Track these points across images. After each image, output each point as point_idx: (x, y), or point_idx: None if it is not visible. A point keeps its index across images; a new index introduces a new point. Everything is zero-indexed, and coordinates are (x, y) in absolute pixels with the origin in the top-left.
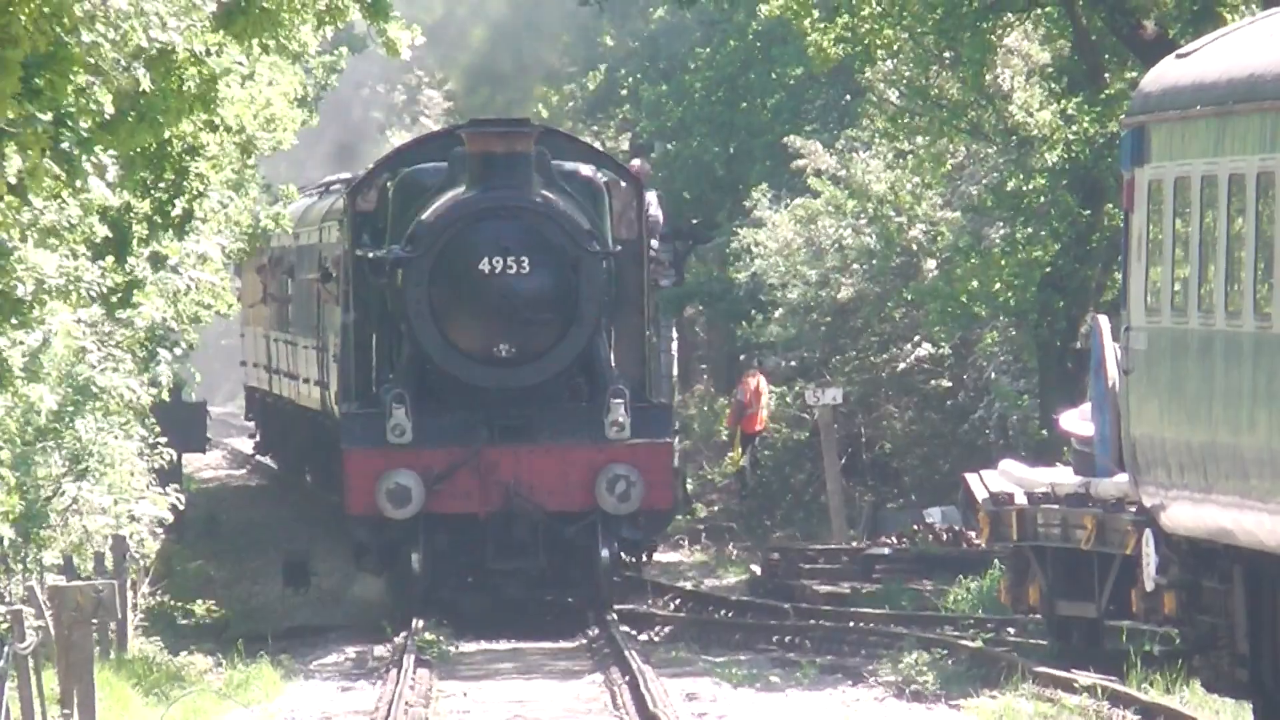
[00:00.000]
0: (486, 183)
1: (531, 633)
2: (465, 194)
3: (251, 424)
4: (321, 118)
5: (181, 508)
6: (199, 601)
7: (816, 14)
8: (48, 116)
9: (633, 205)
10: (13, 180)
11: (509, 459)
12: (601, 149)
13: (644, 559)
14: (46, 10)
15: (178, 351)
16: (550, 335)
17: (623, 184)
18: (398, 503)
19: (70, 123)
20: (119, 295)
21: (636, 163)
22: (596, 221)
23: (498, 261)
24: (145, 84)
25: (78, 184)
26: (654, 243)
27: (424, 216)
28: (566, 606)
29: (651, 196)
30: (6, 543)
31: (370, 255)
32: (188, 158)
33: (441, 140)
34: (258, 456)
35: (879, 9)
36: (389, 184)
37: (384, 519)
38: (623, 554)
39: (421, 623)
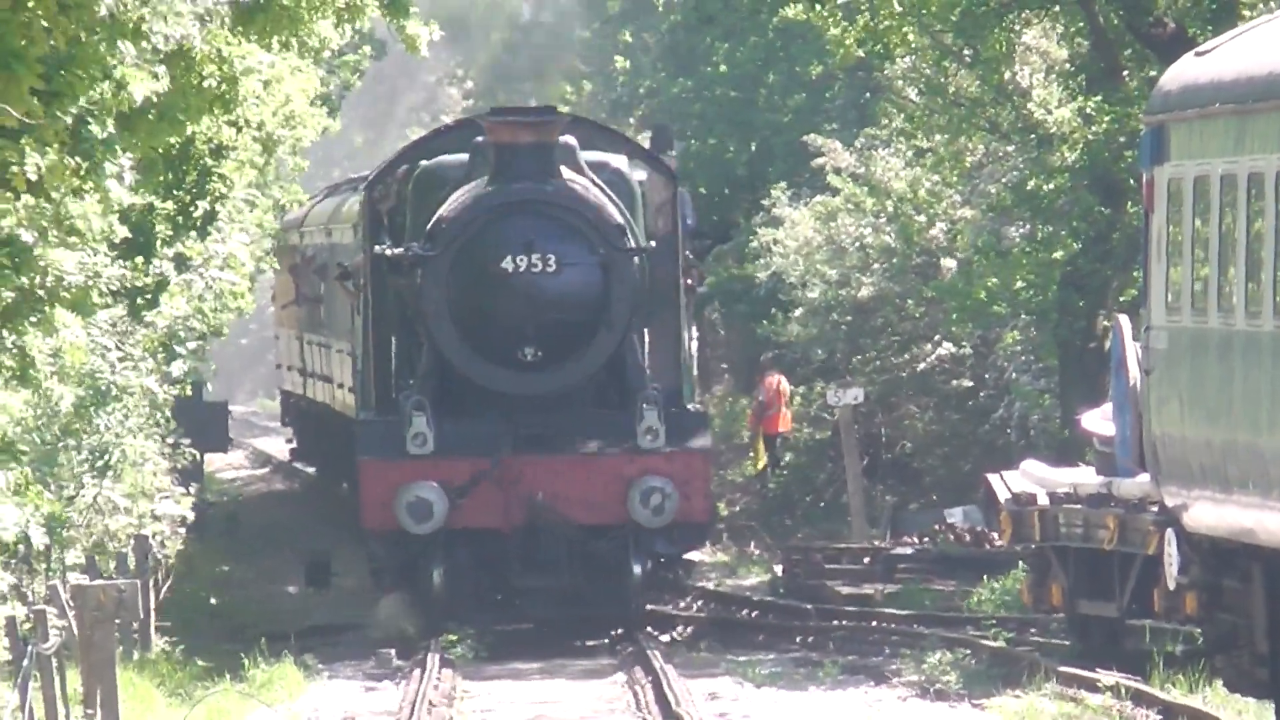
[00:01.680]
0: (509, 175)
1: (559, 654)
2: (486, 187)
3: (289, 429)
4: (345, 118)
5: (205, 507)
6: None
7: (839, 15)
8: (68, 116)
9: (668, 199)
10: (32, 177)
11: (535, 470)
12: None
13: (680, 573)
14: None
15: (191, 346)
16: (578, 338)
17: (657, 177)
18: (418, 517)
19: (92, 119)
20: (147, 296)
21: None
22: (629, 217)
23: (522, 259)
24: (165, 83)
25: (96, 182)
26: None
27: (443, 212)
28: (596, 626)
29: (684, 194)
30: (40, 546)
31: (388, 253)
32: (211, 159)
33: (462, 131)
34: (295, 463)
35: (900, 8)
36: (408, 178)
37: (403, 534)
38: (657, 570)
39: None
